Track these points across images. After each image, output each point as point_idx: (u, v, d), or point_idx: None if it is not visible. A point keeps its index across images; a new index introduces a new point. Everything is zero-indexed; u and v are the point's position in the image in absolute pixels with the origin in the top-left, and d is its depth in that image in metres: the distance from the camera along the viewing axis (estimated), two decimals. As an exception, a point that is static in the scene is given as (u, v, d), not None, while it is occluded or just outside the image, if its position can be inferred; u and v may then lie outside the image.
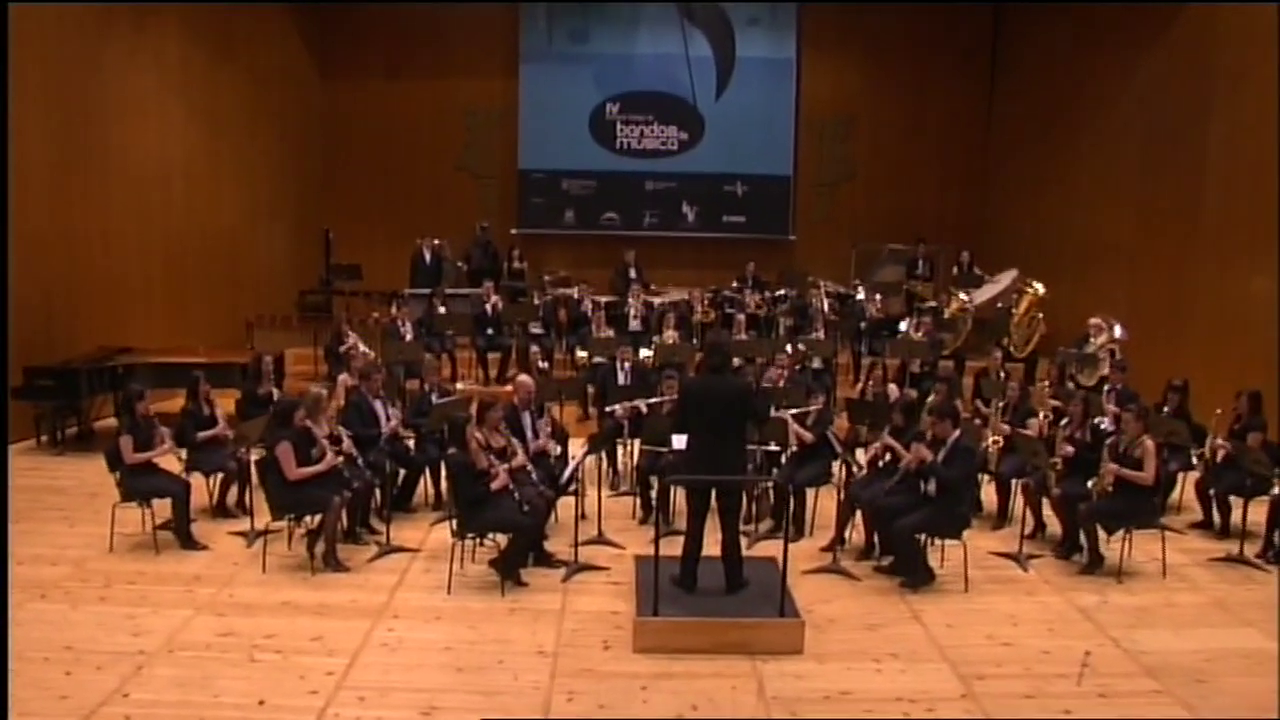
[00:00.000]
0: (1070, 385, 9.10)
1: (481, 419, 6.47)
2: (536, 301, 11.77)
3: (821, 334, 10.59)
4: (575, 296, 12.19)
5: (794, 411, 7.35)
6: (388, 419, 7.44)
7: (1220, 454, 7.36)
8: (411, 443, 7.71)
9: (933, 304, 12.58)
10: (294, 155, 13.85)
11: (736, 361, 8.74)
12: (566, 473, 6.09)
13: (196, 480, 7.00)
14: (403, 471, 7.45)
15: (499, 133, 14.98)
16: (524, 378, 7.35)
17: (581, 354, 10.44)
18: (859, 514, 6.82)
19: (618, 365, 8.74)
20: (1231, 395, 8.06)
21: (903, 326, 10.76)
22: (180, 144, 11.32)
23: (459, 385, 11.09)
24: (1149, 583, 6.39)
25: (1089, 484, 6.59)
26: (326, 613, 5.59)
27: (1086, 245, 12.42)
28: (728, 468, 5.50)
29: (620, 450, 8.48)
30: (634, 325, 11.63)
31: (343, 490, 6.32)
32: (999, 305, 12.38)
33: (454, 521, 6.03)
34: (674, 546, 6.67)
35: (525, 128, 14.94)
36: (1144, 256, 11.41)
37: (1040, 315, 11.07)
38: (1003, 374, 9.39)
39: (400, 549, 6.60)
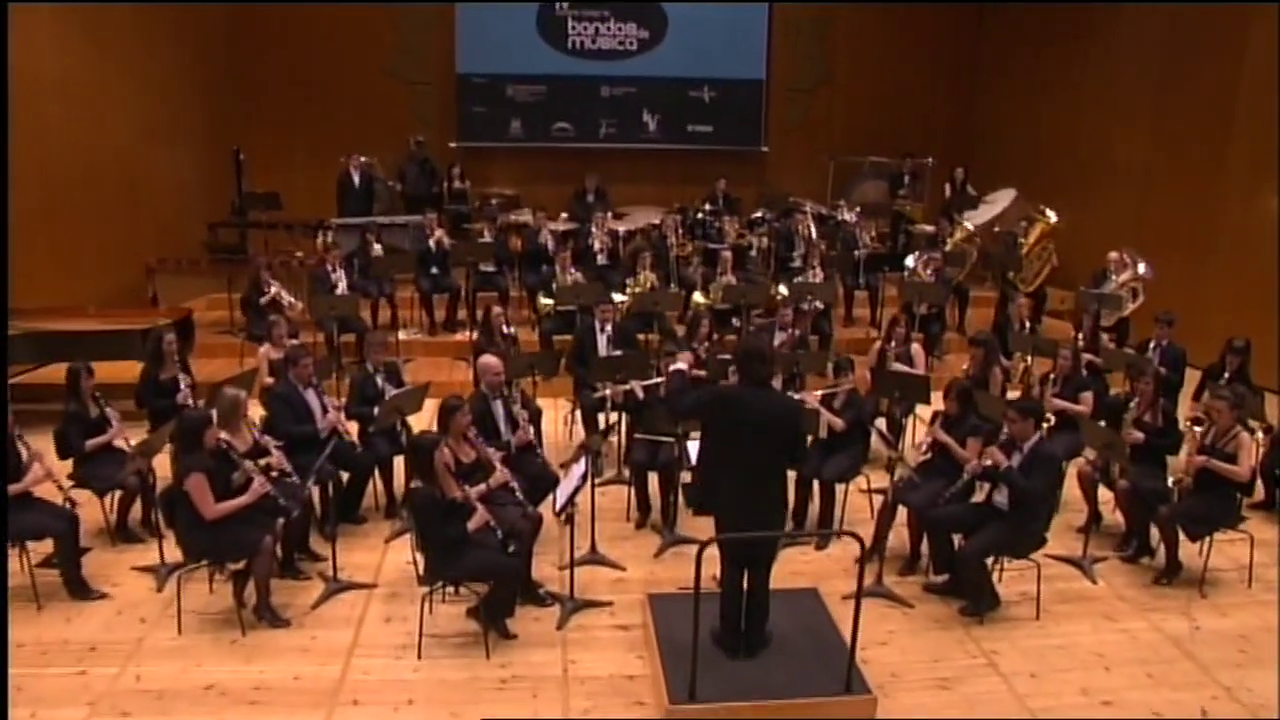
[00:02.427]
0: (1107, 341, 8.12)
1: (446, 426, 5.19)
2: (488, 237, 10.26)
3: (818, 272, 9.34)
4: (531, 225, 10.70)
5: (820, 392, 6.21)
6: (324, 411, 6.09)
7: (1292, 429, 6.50)
8: (355, 428, 6.38)
9: (928, 228, 11.47)
10: (194, 63, 11.70)
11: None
12: (561, 500, 4.87)
13: (86, 497, 5.60)
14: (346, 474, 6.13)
15: (434, 32, 12.95)
16: (488, 359, 6.01)
17: (546, 302, 9.05)
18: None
19: (597, 327, 7.38)
20: (1257, 337, 7.18)
21: (909, 262, 9.59)
22: (54, 55, 9.24)
23: (401, 334, 9.71)
24: (1235, 595, 5.54)
25: (1170, 481, 5.65)
26: (264, 701, 4.36)
27: (1093, 165, 11.32)
28: (769, 510, 4.33)
29: (603, 425, 7.27)
30: (600, 260, 10.25)
31: (274, 522, 5.01)
32: (996, 229, 11.34)
33: (420, 563, 4.80)
34: (682, 562, 5.68)
35: (463, 26, 12.94)
36: (1160, 179, 10.39)
37: (1052, 247, 10.02)
38: (1027, 323, 8.41)
39: (351, 585, 5.36)
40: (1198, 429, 6.58)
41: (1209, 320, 8.84)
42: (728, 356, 7.34)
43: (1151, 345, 7.46)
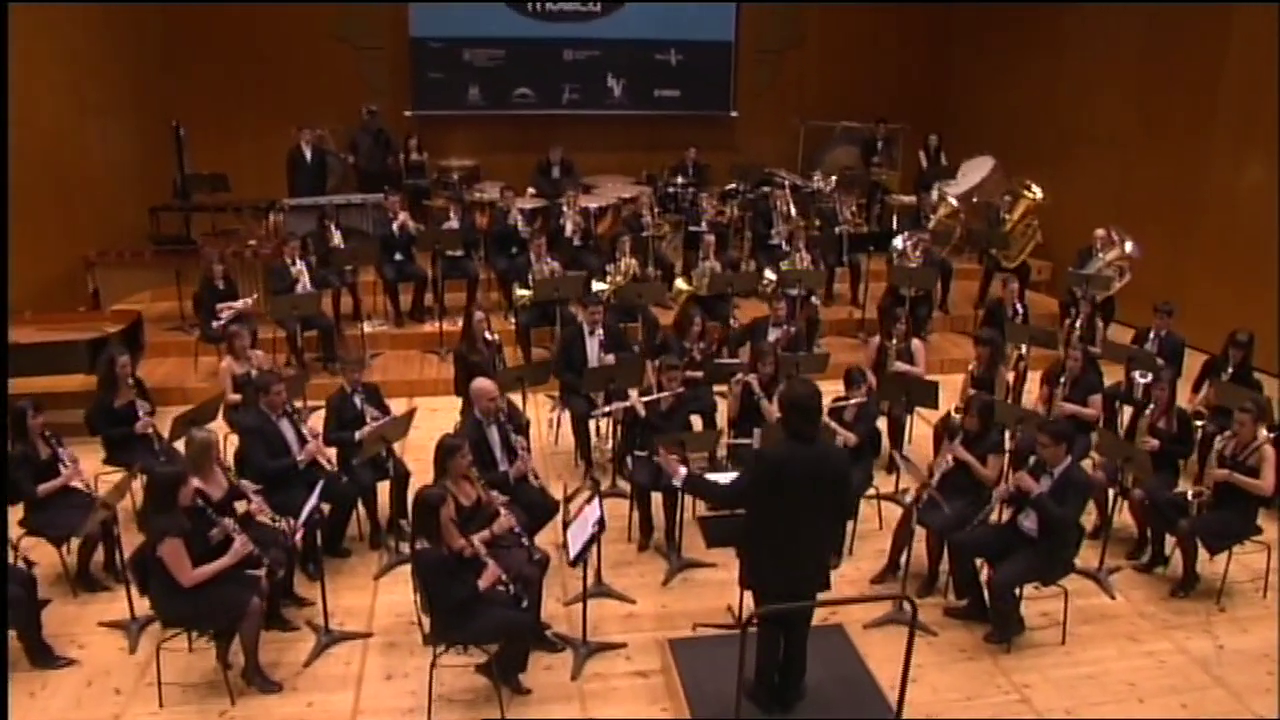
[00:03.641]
0: (1100, 325, 7.97)
1: (445, 469, 4.80)
2: (453, 219, 9.67)
3: (803, 254, 8.99)
4: (499, 205, 10.13)
5: (829, 404, 5.91)
6: (301, 441, 5.63)
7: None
8: (334, 454, 5.93)
9: (905, 199, 11.20)
10: (127, 31, 10.67)
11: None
12: (576, 550, 4.53)
13: (36, 541, 5.13)
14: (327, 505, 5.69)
15: (383, -8, 12.17)
16: (483, 384, 5.58)
17: (522, 293, 8.58)
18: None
19: (585, 330, 6.97)
20: (1242, 313, 7.08)
21: (897, 244, 9.31)
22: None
23: (366, 327, 9.19)
24: (1252, 608, 5.46)
25: (1189, 494, 5.52)
26: (263, 787, 4.02)
27: (1072, 133, 11.06)
28: (816, 572, 4.06)
29: (593, 433, 6.93)
30: (575, 242, 9.75)
31: (259, 579, 4.60)
32: (975, 200, 11.12)
33: (425, 621, 4.44)
34: (692, 590, 5.41)
35: (416, -15, 12.19)
36: (1142, 149, 10.19)
37: (1036, 223, 9.81)
38: (1019, 307, 8.21)
39: (345, 635, 4.98)
40: (1198, 423, 6.51)
41: (1191, 293, 8.78)
42: (725, 360, 7.07)
43: (1150, 335, 7.31)
